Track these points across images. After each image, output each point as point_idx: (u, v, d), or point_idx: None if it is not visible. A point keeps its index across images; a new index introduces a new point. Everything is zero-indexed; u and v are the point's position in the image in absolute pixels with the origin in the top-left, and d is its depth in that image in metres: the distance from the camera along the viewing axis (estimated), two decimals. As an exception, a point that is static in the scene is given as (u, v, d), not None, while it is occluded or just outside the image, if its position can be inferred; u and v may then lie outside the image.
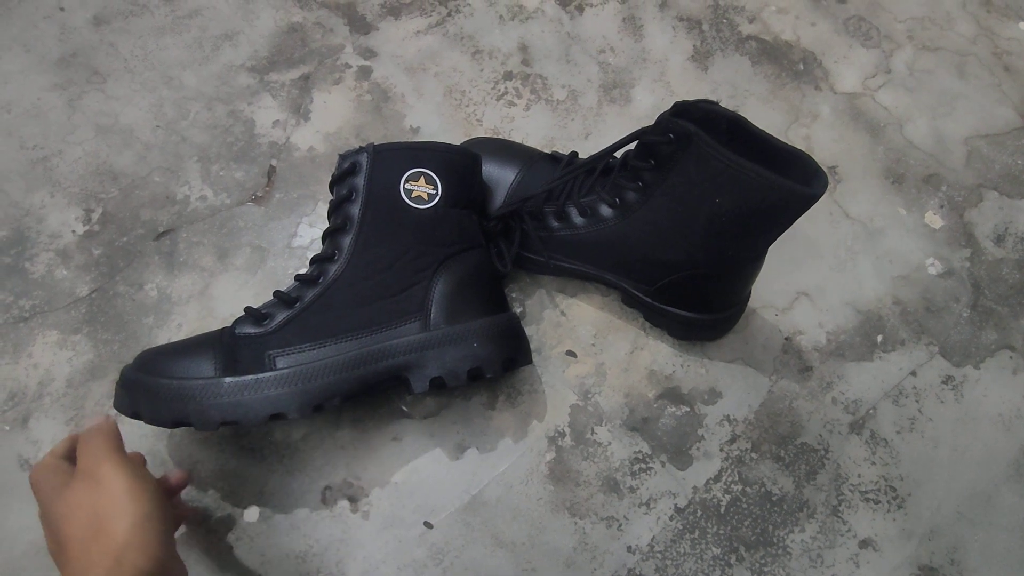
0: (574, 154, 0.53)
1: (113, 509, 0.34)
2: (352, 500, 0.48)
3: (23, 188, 0.56)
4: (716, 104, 0.44)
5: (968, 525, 0.51)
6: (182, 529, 0.46)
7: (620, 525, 0.48)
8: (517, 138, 0.62)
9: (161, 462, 0.47)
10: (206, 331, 0.46)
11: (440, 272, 0.45)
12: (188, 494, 0.47)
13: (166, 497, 0.39)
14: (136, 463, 0.37)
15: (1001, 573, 0.50)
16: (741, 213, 0.42)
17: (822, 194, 0.40)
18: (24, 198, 0.56)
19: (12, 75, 0.61)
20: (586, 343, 0.54)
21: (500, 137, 0.62)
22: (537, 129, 0.63)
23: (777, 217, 0.43)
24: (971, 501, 0.52)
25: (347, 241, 0.44)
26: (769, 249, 0.47)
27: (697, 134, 0.41)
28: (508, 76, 0.66)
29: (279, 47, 0.65)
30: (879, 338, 0.57)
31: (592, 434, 0.51)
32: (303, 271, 0.46)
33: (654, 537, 0.48)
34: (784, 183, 0.40)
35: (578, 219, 0.50)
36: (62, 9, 0.64)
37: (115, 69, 0.62)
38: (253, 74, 0.63)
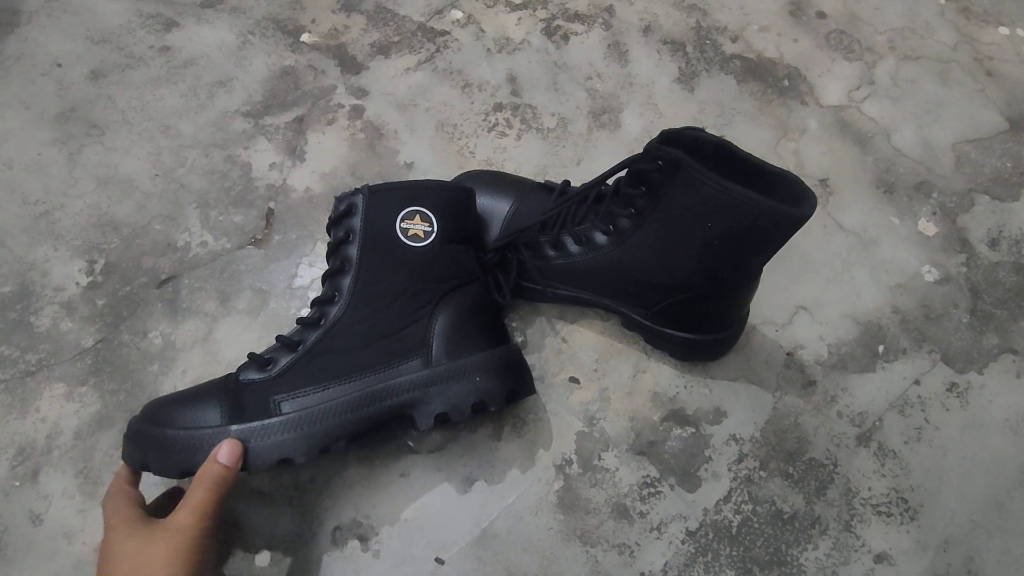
0: (566, 183, 0.54)
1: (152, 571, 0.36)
2: (362, 539, 0.47)
3: (26, 243, 0.57)
4: (702, 130, 0.45)
5: (983, 533, 0.50)
6: None
7: (632, 552, 0.48)
8: (510, 168, 0.63)
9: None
10: (211, 376, 0.46)
11: (439, 308, 0.46)
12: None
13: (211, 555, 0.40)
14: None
15: (1019, 581, 0.49)
16: (733, 236, 0.43)
17: (811, 215, 0.41)
18: (28, 253, 0.57)
19: (12, 132, 0.62)
20: (588, 369, 0.54)
21: (493, 169, 0.62)
22: (529, 158, 0.64)
23: (768, 238, 0.43)
24: (984, 508, 0.51)
25: (346, 282, 0.45)
26: (765, 265, 0.48)
27: (685, 160, 0.42)
28: (498, 107, 0.67)
29: (272, 91, 0.66)
30: (880, 348, 0.57)
31: (599, 460, 0.51)
32: (305, 313, 0.47)
33: (667, 562, 0.48)
34: (773, 205, 0.40)
35: (573, 247, 0.50)
36: (59, 65, 0.66)
37: (113, 121, 0.63)
38: (248, 119, 0.64)
